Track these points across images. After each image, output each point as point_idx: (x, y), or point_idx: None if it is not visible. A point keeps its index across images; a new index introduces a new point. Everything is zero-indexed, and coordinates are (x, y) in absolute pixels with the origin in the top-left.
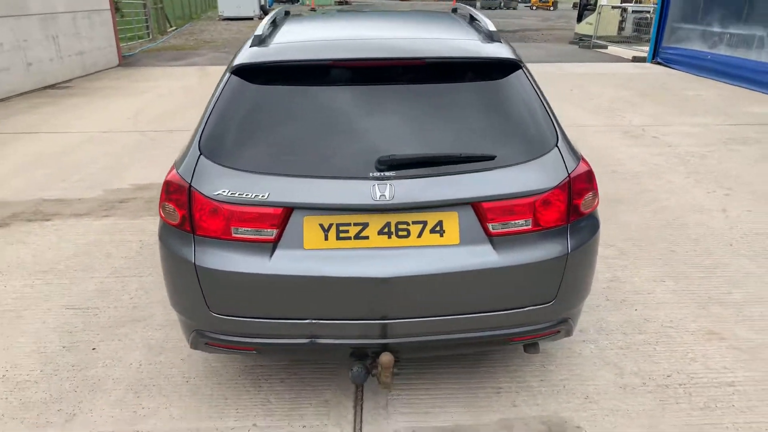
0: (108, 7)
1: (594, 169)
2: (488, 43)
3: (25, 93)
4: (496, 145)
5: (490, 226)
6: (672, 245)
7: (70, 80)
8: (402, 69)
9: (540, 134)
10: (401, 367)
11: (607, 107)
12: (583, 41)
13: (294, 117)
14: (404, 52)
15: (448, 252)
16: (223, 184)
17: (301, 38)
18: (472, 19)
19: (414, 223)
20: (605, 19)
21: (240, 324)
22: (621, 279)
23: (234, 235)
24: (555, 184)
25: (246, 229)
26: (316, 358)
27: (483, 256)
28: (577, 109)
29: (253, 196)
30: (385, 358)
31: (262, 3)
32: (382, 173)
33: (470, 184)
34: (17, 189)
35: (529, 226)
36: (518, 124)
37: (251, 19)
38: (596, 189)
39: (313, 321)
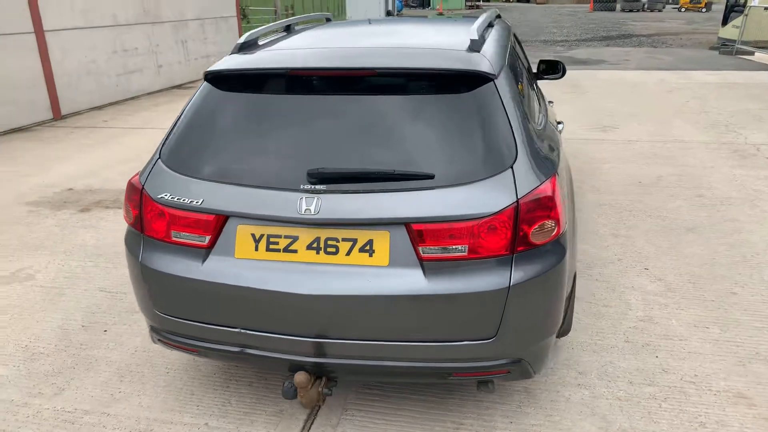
0: (234, 14)
1: (676, 192)
2: (471, 53)
3: (153, 92)
4: (442, 163)
5: (421, 249)
6: (736, 286)
7: (194, 81)
8: (353, 80)
9: (493, 154)
10: (372, 386)
11: (723, 121)
12: (725, 46)
13: (240, 125)
14: (358, 63)
15: (376, 274)
16: (167, 188)
17: (284, 47)
18: (489, 25)
19: (344, 240)
20: (754, 21)
21: (180, 325)
22: (654, 319)
23: (173, 238)
24: (498, 209)
25: (183, 233)
26: (256, 367)
27: (412, 281)
28: (686, 122)
29: (189, 202)
30: (300, 377)
31: (390, 8)
32: (312, 186)
33: (404, 204)
34: (108, 179)
35: (465, 253)
36: (470, 142)
37: None
38: (557, 217)
39: (242, 330)
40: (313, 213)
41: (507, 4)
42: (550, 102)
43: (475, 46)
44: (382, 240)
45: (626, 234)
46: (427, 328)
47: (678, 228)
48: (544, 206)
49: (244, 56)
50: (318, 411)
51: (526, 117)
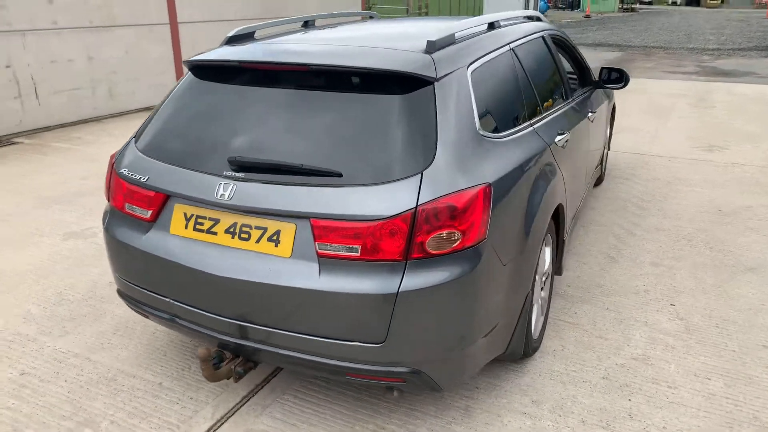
0: (359, 10)
1: (757, 226)
2: (420, 54)
3: None
4: (354, 162)
5: (318, 245)
6: None
7: None
8: (290, 74)
9: (407, 158)
10: (319, 377)
11: None
12: None
13: (191, 112)
14: (295, 59)
15: (276, 264)
16: (128, 164)
17: (265, 42)
18: (491, 26)
19: (256, 228)
20: None
21: (132, 289)
22: (650, 360)
23: (126, 209)
24: (394, 213)
25: (132, 205)
26: (188, 337)
27: (306, 276)
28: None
29: (138, 178)
30: (201, 351)
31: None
32: (232, 173)
33: (308, 199)
34: None
35: (358, 254)
36: (388, 144)
37: None
38: (462, 228)
39: (172, 301)
40: (226, 198)
41: (669, 8)
42: (592, 113)
43: (431, 48)
44: (288, 232)
45: (669, 264)
46: (320, 324)
47: (736, 265)
48: (448, 216)
49: (221, 48)
50: (259, 391)
51: (470, 124)
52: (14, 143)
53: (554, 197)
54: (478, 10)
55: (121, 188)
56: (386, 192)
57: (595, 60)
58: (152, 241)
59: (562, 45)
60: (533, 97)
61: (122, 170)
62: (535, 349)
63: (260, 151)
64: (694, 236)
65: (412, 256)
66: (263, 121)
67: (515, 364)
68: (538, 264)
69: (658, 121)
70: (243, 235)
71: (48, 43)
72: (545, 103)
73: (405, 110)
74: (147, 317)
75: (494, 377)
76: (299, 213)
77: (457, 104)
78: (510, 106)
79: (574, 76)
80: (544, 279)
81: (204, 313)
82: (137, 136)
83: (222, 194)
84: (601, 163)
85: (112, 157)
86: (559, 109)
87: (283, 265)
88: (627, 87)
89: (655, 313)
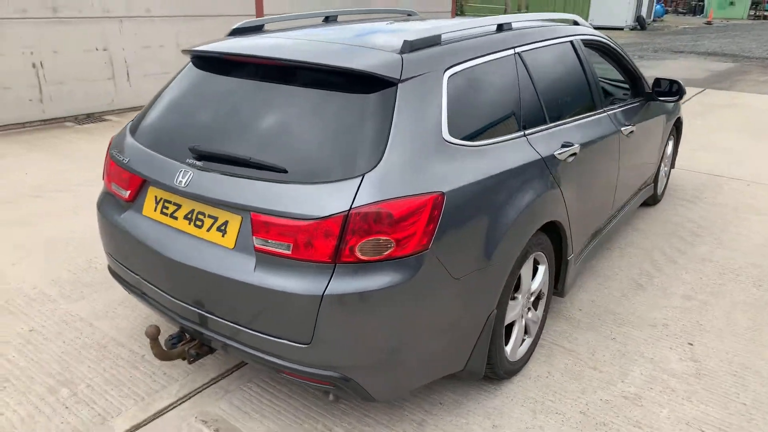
0: (449, 9)
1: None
2: (392, 54)
3: None
4: (302, 159)
5: (255, 239)
6: None
7: None
8: (260, 68)
9: (352, 159)
10: None
11: None
12: None
13: (177, 99)
14: (266, 53)
15: (220, 254)
16: (119, 146)
17: (264, 36)
18: (499, 29)
19: (209, 216)
20: None
21: (117, 266)
22: (642, 401)
23: (112, 188)
24: (326, 214)
25: (116, 185)
26: (159, 316)
27: (243, 269)
28: None
29: (121, 159)
30: (148, 328)
31: (641, 14)
32: (193, 161)
33: (254, 192)
34: None
35: (289, 252)
36: (338, 143)
37: (621, 29)
38: (397, 237)
39: (141, 279)
40: (183, 185)
41: None
42: (627, 126)
43: (406, 48)
44: (234, 223)
45: (703, 299)
46: (254, 318)
47: None
48: (383, 222)
49: (219, 41)
50: (228, 375)
51: (434, 129)
52: (105, 120)
53: (543, 213)
54: (581, 11)
55: (109, 168)
56: (325, 192)
57: (700, 70)
58: (128, 221)
59: (606, 52)
60: (536, 105)
61: (113, 150)
62: (514, 372)
63: (219, 141)
64: (743, 271)
65: (342, 259)
66: (229, 112)
67: (490, 384)
68: (521, 283)
69: (750, 142)
70: (197, 222)
71: (141, 29)
72: (554, 113)
73: (361, 110)
74: (129, 293)
75: (462, 395)
76: (243, 206)
77: (421, 108)
78: (498, 113)
79: (623, 86)
80: (530, 299)
81: (163, 293)
82: (131, 122)
83: (180, 181)
84: (655, 183)
85: (111, 138)
86: (575, 121)
87: (226, 256)
88: (725, 101)
89: (666, 351)
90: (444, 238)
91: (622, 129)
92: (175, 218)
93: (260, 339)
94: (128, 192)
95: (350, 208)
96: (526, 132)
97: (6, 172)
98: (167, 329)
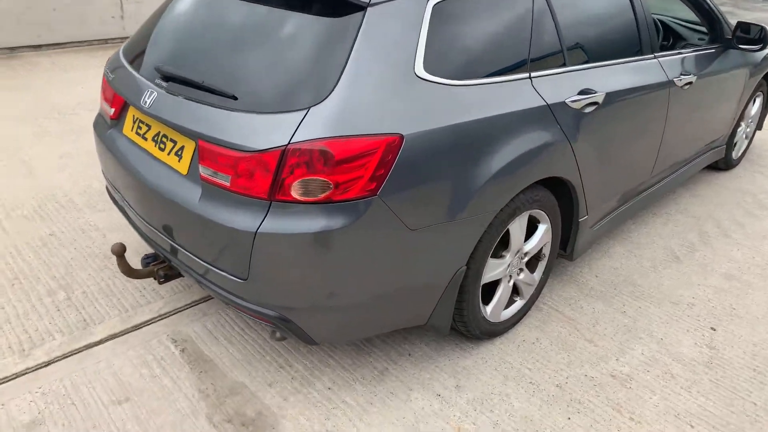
0: None
1: None
2: None
3: None
4: (256, 86)
5: (201, 167)
6: None
7: None
8: None
9: (303, 90)
10: None
11: None
12: None
13: (165, 19)
14: None
15: (175, 179)
16: (110, 63)
17: None
18: None
19: (170, 140)
20: None
21: (109, 184)
22: (631, 383)
23: (103, 105)
24: (264, 147)
25: (105, 102)
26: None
27: (191, 196)
28: None
29: (109, 77)
30: (114, 246)
31: None
32: (160, 82)
33: (204, 119)
34: None
35: (228, 184)
36: (293, 72)
37: None
38: (337, 179)
39: (123, 199)
40: (147, 106)
41: None
42: (686, 76)
43: None
44: (189, 149)
45: (747, 281)
46: (201, 249)
47: None
48: (321, 162)
49: None
50: (210, 299)
51: (405, 62)
52: None
53: (540, 167)
54: None
55: (102, 86)
56: (268, 124)
57: None
58: (111, 139)
59: None
60: (552, 44)
61: (105, 68)
62: (496, 333)
63: (183, 63)
64: None
65: (277, 197)
66: (200, 33)
67: (468, 343)
68: (510, 241)
69: None
70: (161, 145)
71: None
72: (578, 55)
73: (319, 36)
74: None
75: (436, 350)
76: (193, 131)
77: (392, 37)
78: (497, 50)
79: (699, 29)
80: (522, 259)
81: (137, 214)
82: (128, 40)
83: (146, 101)
84: (728, 145)
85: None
86: (607, 65)
87: (179, 182)
88: None
89: (681, 333)
90: (399, 185)
91: (676, 79)
92: (146, 139)
93: (208, 270)
94: (113, 110)
95: (288, 143)
96: (533, 74)
97: (76, 84)
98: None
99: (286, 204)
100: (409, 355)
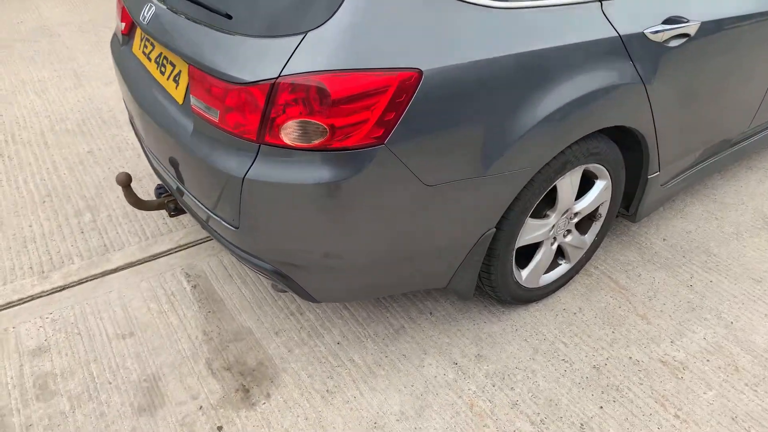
0: None
1: None
2: None
3: None
4: (255, 3)
5: (192, 98)
6: None
7: None
8: None
9: (301, 9)
10: None
11: None
12: None
13: None
14: None
15: (171, 107)
16: None
17: None
18: None
19: (170, 62)
20: None
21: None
22: (683, 373)
23: (116, 24)
24: (252, 79)
25: (118, 18)
26: None
27: (184, 129)
28: None
29: None
30: (118, 176)
31: None
32: None
33: (195, 41)
34: None
35: (217, 120)
36: None
37: None
38: (336, 122)
39: (133, 121)
40: (145, 21)
41: None
42: None
43: None
44: (184, 75)
45: None
46: (197, 189)
47: None
48: (315, 101)
49: None
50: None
51: None
52: None
53: (602, 114)
54: None
55: (117, 1)
56: (262, 50)
57: None
58: (122, 57)
59: None
60: None
61: None
62: (531, 299)
63: None
64: None
65: (267, 139)
66: None
67: (499, 307)
68: (557, 198)
69: None
70: (162, 68)
71: None
72: None
73: None
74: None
75: (460, 311)
76: (184, 55)
77: None
78: None
79: None
80: (571, 220)
81: (145, 140)
82: None
83: (144, 16)
84: None
85: None
86: None
87: (175, 111)
88: None
89: (758, 317)
90: (413, 132)
91: None
92: (150, 60)
93: (207, 213)
94: (123, 24)
95: (278, 75)
96: None
97: None
98: None
99: (276, 149)
100: (431, 314)
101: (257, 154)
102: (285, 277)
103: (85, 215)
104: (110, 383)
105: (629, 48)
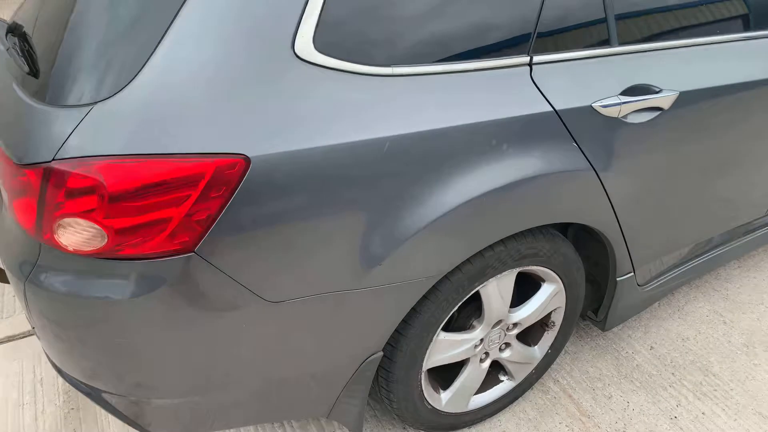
0: None
1: None
2: None
3: None
4: (67, 61)
5: None
6: None
7: None
8: None
9: (93, 72)
10: None
11: None
12: None
13: None
14: None
15: None
16: None
17: None
18: None
19: None
20: None
21: None
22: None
23: None
24: (29, 161)
25: None
26: None
27: None
28: None
29: None
30: None
31: None
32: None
33: (3, 99)
34: None
35: (7, 202)
36: (101, 46)
37: None
38: (117, 225)
39: None
40: None
41: None
42: None
43: None
44: None
45: None
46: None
47: None
48: (89, 195)
49: None
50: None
51: (274, 35)
52: None
53: (528, 211)
54: None
55: None
56: (44, 122)
57: None
58: None
59: None
60: (588, 8)
61: None
62: (462, 426)
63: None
64: None
65: (44, 238)
66: None
67: None
68: (482, 309)
69: None
70: None
71: None
72: (639, 28)
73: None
74: None
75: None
76: None
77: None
78: (472, 18)
79: None
80: (508, 331)
81: None
82: None
83: None
84: None
85: None
86: (684, 46)
87: None
88: None
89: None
90: (240, 236)
91: None
92: None
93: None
94: None
95: (53, 158)
96: (534, 58)
97: None
98: None
99: (56, 251)
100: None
101: (39, 254)
102: (104, 402)
103: None
104: None
105: (569, 125)
